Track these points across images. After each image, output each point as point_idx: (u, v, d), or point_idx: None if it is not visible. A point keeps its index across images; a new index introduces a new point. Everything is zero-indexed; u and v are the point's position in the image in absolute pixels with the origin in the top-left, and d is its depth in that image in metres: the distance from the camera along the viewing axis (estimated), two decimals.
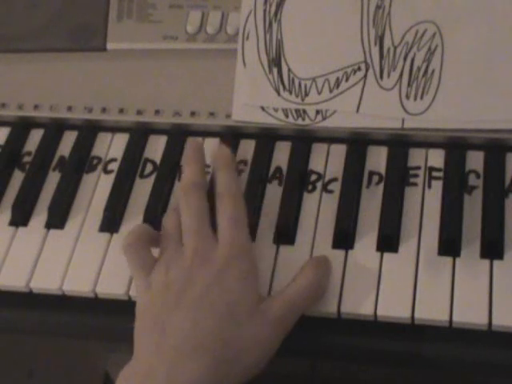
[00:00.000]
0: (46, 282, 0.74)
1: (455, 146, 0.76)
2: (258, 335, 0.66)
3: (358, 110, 0.77)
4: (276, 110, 0.79)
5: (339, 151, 0.78)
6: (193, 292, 0.66)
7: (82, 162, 0.81)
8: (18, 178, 0.81)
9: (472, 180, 0.74)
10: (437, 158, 0.76)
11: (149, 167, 0.80)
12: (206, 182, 0.73)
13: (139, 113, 0.82)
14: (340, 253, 0.72)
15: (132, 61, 0.84)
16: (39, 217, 0.78)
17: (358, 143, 0.78)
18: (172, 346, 0.65)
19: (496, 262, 0.69)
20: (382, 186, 0.75)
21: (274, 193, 0.76)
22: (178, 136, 0.81)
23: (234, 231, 0.69)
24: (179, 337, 0.65)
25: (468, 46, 0.76)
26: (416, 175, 0.75)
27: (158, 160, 0.81)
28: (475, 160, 0.75)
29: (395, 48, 0.77)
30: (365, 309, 0.68)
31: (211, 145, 0.80)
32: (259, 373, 0.66)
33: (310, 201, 0.75)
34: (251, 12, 0.81)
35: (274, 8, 0.81)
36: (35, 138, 0.84)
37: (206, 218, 0.70)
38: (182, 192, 0.72)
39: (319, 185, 0.76)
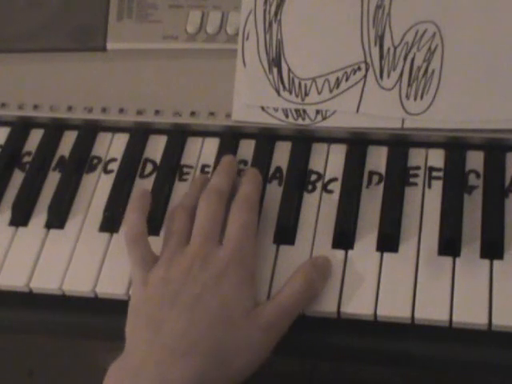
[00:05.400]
0: (46, 281, 0.74)
1: (455, 145, 0.76)
2: (250, 339, 0.66)
3: (357, 110, 0.77)
4: (276, 110, 0.79)
5: (339, 151, 0.78)
6: (190, 292, 0.66)
7: (82, 162, 0.81)
8: (18, 178, 0.81)
9: (472, 180, 0.74)
10: (437, 158, 0.76)
11: (149, 167, 0.80)
12: (230, 195, 0.73)
13: (139, 113, 0.82)
14: (340, 253, 0.72)
15: (132, 61, 0.84)
16: (39, 217, 0.78)
17: (358, 143, 0.78)
18: (165, 345, 0.65)
19: (496, 262, 0.69)
20: (381, 186, 0.75)
21: (274, 193, 0.76)
22: (177, 136, 0.81)
23: (241, 238, 0.69)
24: (173, 336, 0.65)
25: (468, 46, 0.76)
26: (416, 175, 0.75)
27: (158, 160, 0.81)
28: (475, 160, 0.75)
29: (395, 48, 0.77)
30: (365, 309, 0.68)
31: (211, 145, 0.80)
32: (250, 376, 0.66)
33: (310, 201, 0.75)
34: (251, 12, 0.81)
35: (274, 8, 0.81)
36: (35, 138, 0.84)
37: (219, 223, 0.71)
38: (203, 196, 0.72)
39: (319, 185, 0.76)
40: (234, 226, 0.70)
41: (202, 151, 0.81)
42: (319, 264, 0.70)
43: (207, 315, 0.65)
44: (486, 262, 0.69)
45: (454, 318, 0.67)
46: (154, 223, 0.75)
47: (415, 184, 0.75)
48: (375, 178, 0.76)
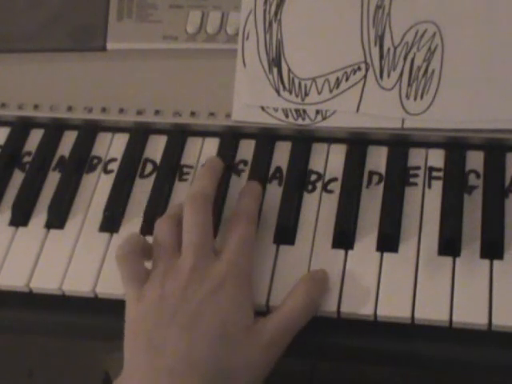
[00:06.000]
0: (46, 281, 0.74)
1: (455, 145, 0.76)
2: (251, 358, 0.64)
3: (357, 110, 0.77)
4: (276, 110, 0.79)
5: (339, 151, 0.78)
6: (188, 309, 0.65)
7: (82, 162, 0.81)
8: (18, 178, 0.81)
9: (472, 180, 0.74)
10: (437, 158, 0.76)
11: (149, 167, 0.80)
12: (215, 193, 0.72)
13: (139, 113, 0.82)
14: (340, 253, 0.72)
15: (132, 61, 0.84)
16: (39, 217, 0.78)
17: (357, 143, 0.78)
18: (164, 366, 0.63)
19: (496, 262, 0.69)
20: (381, 186, 0.75)
21: (274, 193, 0.76)
22: (177, 136, 0.81)
23: (239, 252, 0.68)
24: (173, 357, 0.63)
25: (468, 46, 0.76)
26: (416, 175, 0.75)
27: (158, 160, 0.81)
28: (475, 160, 0.75)
29: (395, 48, 0.77)
30: (365, 309, 0.68)
31: (211, 145, 0.80)
32: None
33: (310, 201, 0.75)
34: (251, 12, 0.81)
35: (274, 8, 0.81)
36: (35, 138, 0.84)
37: (209, 232, 0.69)
38: (188, 201, 0.70)
39: (319, 185, 0.76)
40: (232, 239, 0.69)
41: (202, 151, 0.81)
42: (319, 278, 0.69)
43: (207, 334, 0.64)
44: (486, 262, 0.69)
45: (454, 318, 0.67)
46: (153, 223, 0.75)
47: (415, 184, 0.75)
48: (375, 178, 0.76)
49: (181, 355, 0.63)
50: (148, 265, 0.70)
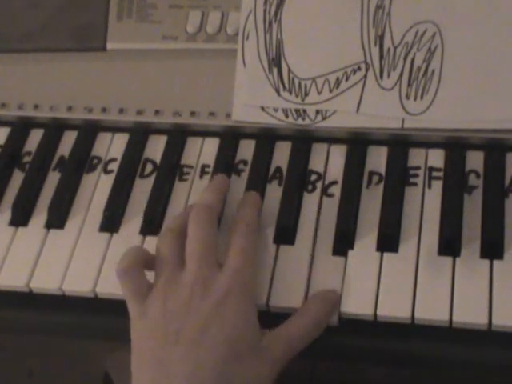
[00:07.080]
0: (46, 281, 0.74)
1: (455, 145, 0.76)
2: (258, 374, 0.64)
3: (358, 110, 0.77)
4: (276, 110, 0.79)
5: (339, 151, 0.78)
6: (193, 325, 0.64)
7: (82, 162, 0.81)
8: (18, 178, 0.81)
9: (472, 180, 0.74)
10: (437, 158, 0.76)
11: (149, 167, 0.80)
12: (220, 210, 0.72)
13: (139, 113, 0.82)
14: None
15: (132, 61, 0.84)
16: (39, 217, 0.78)
17: (358, 143, 0.78)
18: None
19: (496, 262, 0.69)
20: (381, 186, 0.75)
21: (274, 193, 0.76)
22: (177, 136, 0.81)
23: (240, 262, 0.67)
24: (180, 379, 0.62)
25: (468, 46, 0.76)
26: (416, 175, 0.75)
27: (158, 160, 0.81)
28: (475, 160, 0.75)
29: (395, 48, 0.77)
30: (365, 309, 0.68)
31: (211, 145, 0.80)
32: None
33: (310, 201, 0.75)
34: (251, 12, 0.81)
35: (274, 8, 0.81)
36: (35, 138, 0.84)
37: (213, 244, 0.69)
38: (193, 214, 0.70)
39: (319, 185, 0.76)
40: (234, 250, 0.68)
41: (202, 151, 0.81)
42: (331, 299, 0.68)
43: (213, 352, 0.63)
44: (486, 262, 0.69)
45: (454, 318, 0.67)
46: (154, 223, 0.75)
47: (415, 184, 0.75)
48: (375, 178, 0.76)
49: (186, 377, 0.63)
50: (150, 276, 0.69)
